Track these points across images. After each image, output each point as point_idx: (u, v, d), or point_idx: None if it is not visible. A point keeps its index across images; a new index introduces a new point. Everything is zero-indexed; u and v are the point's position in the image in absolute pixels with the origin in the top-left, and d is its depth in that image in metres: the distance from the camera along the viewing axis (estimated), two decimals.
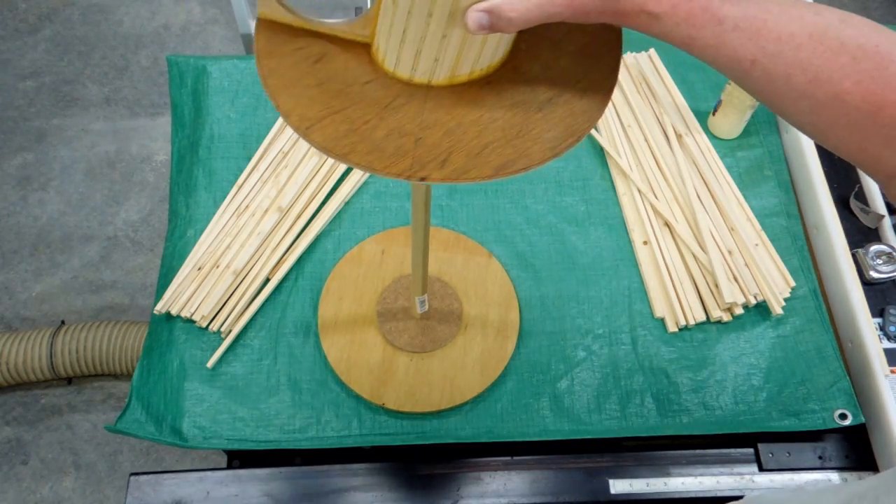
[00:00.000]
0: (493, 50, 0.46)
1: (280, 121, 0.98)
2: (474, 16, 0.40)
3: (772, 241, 0.92)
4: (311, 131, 0.44)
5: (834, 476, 0.80)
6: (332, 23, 0.48)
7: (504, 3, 0.39)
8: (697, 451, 0.81)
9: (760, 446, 0.81)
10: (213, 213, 0.93)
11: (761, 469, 0.80)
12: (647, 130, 1.00)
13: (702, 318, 0.87)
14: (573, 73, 0.49)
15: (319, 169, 0.96)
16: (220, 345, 0.85)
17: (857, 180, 0.98)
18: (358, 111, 0.46)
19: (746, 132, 1.01)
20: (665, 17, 0.40)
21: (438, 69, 0.46)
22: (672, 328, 0.87)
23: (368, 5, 0.47)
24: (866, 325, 0.84)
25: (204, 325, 0.86)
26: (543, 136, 0.46)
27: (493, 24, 0.40)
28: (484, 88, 0.48)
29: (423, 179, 0.44)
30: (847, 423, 0.80)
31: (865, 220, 0.95)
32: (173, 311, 0.86)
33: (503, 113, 0.47)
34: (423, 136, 0.45)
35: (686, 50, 0.41)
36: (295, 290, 0.89)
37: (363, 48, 0.49)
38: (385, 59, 0.48)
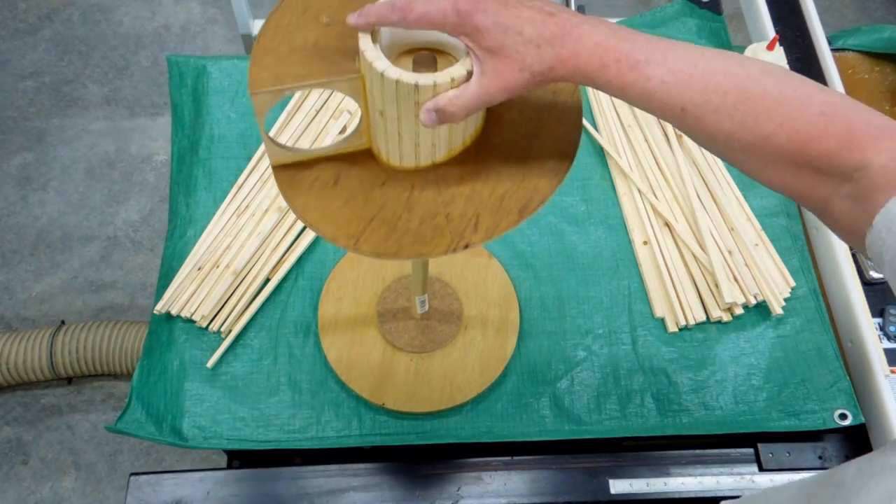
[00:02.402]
0: (475, 118, 0.52)
1: (280, 120, 0.98)
2: (424, 115, 0.46)
3: (772, 241, 0.92)
4: (359, 245, 0.50)
5: None
6: (333, 145, 0.54)
7: (447, 104, 0.46)
8: (697, 451, 0.81)
9: (760, 446, 0.81)
10: (213, 213, 0.93)
11: (761, 469, 0.80)
12: (647, 130, 1.00)
13: (702, 318, 0.87)
14: (544, 104, 0.54)
15: None
16: (220, 345, 0.85)
17: None
18: (388, 211, 0.51)
19: None
20: (596, 76, 0.44)
21: (437, 151, 0.52)
22: (672, 328, 0.87)
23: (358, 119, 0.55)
24: (866, 325, 0.84)
25: (204, 325, 0.86)
26: (544, 168, 0.52)
27: (441, 119, 0.46)
28: (480, 150, 0.54)
29: (466, 247, 0.49)
30: (847, 423, 0.80)
31: None
32: (173, 311, 0.86)
33: (503, 163, 0.53)
34: (450, 210, 0.51)
35: (621, 99, 0.46)
36: (295, 290, 0.89)
37: (367, 153, 0.54)
38: (389, 158, 0.53)
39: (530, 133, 0.54)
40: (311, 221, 0.52)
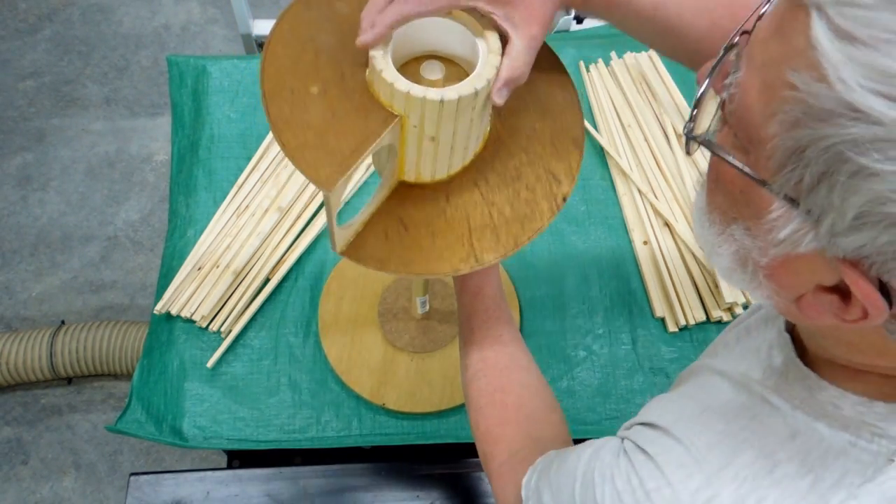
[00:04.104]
0: (486, 126, 0.53)
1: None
2: (497, 95, 0.47)
3: None
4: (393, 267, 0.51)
5: None
6: (377, 199, 0.53)
7: (510, 73, 0.47)
8: None
9: None
10: (213, 213, 0.93)
11: None
12: (647, 130, 1.00)
13: (702, 317, 0.87)
14: (546, 133, 0.55)
15: None
16: (220, 345, 0.85)
17: None
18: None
19: None
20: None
21: (457, 164, 0.53)
22: (672, 328, 0.87)
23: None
24: None
25: (204, 325, 0.86)
26: (540, 188, 0.53)
27: (511, 87, 0.48)
28: (489, 155, 0.54)
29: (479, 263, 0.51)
30: None
31: None
32: (173, 311, 0.86)
33: (503, 186, 0.53)
34: (471, 223, 0.52)
35: (604, 15, 0.51)
36: (295, 290, 0.89)
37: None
38: (420, 177, 0.53)
39: (536, 125, 0.54)
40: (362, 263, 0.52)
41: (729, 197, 0.35)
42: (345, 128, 0.47)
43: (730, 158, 0.32)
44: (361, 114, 0.47)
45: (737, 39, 0.34)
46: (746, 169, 0.32)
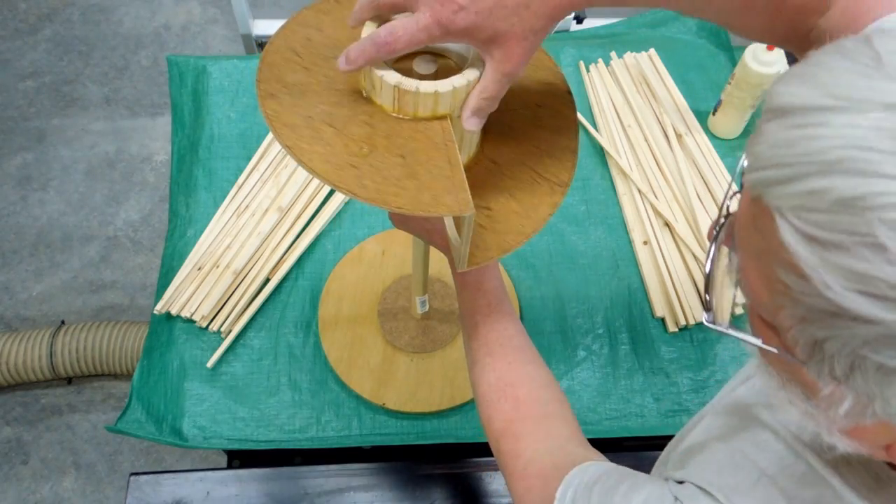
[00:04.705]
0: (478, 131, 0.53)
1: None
2: (469, 122, 0.47)
3: None
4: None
5: None
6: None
7: (478, 102, 0.46)
8: None
9: None
10: (213, 213, 0.93)
11: None
12: (647, 130, 1.00)
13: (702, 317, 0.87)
14: (543, 144, 0.56)
15: None
16: (220, 345, 0.85)
17: None
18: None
19: (747, 132, 1.01)
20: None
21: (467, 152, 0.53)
22: (672, 328, 0.87)
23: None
24: None
25: (204, 325, 0.86)
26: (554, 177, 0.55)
27: (481, 116, 0.48)
28: (496, 144, 0.55)
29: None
30: None
31: None
32: (173, 311, 0.86)
33: (514, 148, 0.54)
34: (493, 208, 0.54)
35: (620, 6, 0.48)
36: (295, 290, 0.89)
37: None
38: None
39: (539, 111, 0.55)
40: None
41: (779, 363, 0.33)
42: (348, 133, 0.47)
43: (760, 343, 0.31)
44: (419, 164, 0.47)
45: (729, 202, 0.33)
46: (776, 352, 0.31)
